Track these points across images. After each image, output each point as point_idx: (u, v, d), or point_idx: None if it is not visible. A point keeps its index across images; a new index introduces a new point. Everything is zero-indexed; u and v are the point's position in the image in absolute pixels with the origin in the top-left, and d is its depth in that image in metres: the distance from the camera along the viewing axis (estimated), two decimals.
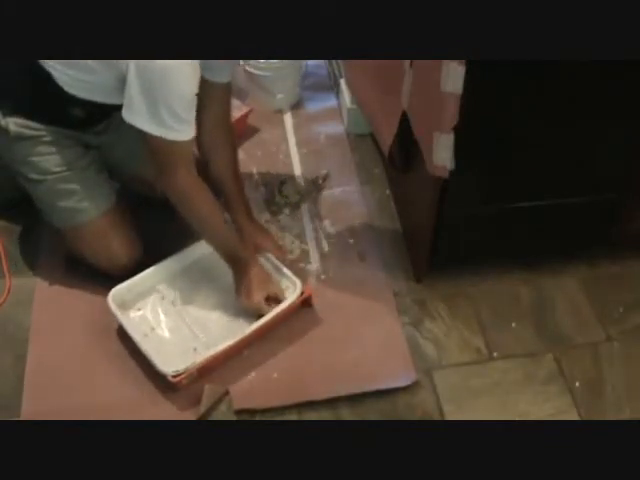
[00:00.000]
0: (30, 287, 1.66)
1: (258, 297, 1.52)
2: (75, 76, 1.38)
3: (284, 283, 1.61)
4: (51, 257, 1.70)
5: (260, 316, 1.52)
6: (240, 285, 1.53)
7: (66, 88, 1.40)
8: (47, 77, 1.38)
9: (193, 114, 1.36)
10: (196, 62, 1.31)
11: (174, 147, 1.35)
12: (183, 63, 1.27)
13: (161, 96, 1.28)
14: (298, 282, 1.58)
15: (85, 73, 1.37)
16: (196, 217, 1.48)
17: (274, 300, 1.55)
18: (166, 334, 1.53)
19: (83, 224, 1.55)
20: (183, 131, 1.35)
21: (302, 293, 1.58)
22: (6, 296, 1.64)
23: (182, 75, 1.28)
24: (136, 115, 1.31)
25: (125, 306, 1.55)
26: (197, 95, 1.36)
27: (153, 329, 1.54)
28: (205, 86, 1.45)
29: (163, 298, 1.60)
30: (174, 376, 1.41)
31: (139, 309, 1.57)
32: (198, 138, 1.57)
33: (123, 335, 1.52)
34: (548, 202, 1.57)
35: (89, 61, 1.35)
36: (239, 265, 1.53)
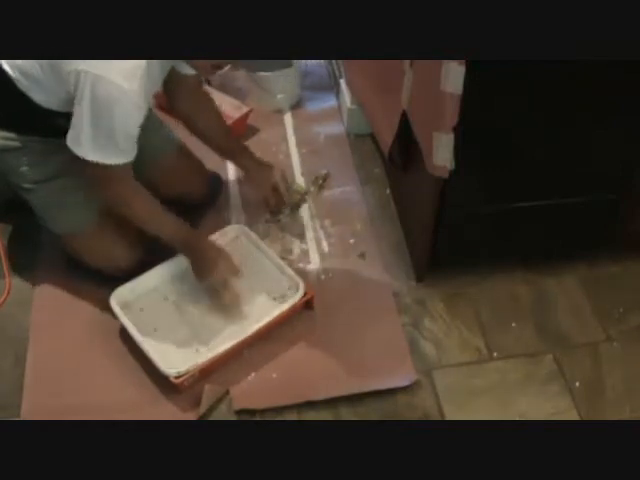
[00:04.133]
0: (30, 287, 1.66)
1: (219, 273, 1.52)
2: (46, 94, 1.37)
3: (287, 283, 1.61)
4: (51, 257, 1.70)
5: (262, 316, 1.52)
6: (198, 266, 1.53)
7: (42, 104, 1.39)
8: (22, 94, 1.37)
9: (134, 145, 1.35)
10: (142, 102, 1.30)
11: (113, 167, 1.34)
12: (129, 100, 1.26)
13: (106, 126, 1.28)
14: (301, 283, 1.58)
15: (49, 90, 1.36)
16: (136, 218, 1.47)
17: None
18: (168, 335, 1.53)
19: (79, 229, 1.55)
20: (122, 157, 1.34)
21: (305, 294, 1.57)
22: (6, 296, 1.64)
23: (126, 110, 1.27)
24: (79, 146, 1.31)
25: (127, 306, 1.55)
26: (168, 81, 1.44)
27: (155, 330, 1.54)
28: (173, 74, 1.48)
29: (165, 299, 1.60)
30: (176, 377, 1.42)
31: (141, 309, 1.57)
32: (176, 110, 1.64)
33: (123, 335, 1.53)
34: (548, 202, 1.57)
35: (46, 80, 1.34)
36: (192, 249, 1.52)
